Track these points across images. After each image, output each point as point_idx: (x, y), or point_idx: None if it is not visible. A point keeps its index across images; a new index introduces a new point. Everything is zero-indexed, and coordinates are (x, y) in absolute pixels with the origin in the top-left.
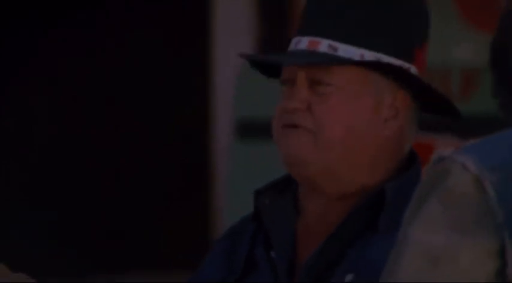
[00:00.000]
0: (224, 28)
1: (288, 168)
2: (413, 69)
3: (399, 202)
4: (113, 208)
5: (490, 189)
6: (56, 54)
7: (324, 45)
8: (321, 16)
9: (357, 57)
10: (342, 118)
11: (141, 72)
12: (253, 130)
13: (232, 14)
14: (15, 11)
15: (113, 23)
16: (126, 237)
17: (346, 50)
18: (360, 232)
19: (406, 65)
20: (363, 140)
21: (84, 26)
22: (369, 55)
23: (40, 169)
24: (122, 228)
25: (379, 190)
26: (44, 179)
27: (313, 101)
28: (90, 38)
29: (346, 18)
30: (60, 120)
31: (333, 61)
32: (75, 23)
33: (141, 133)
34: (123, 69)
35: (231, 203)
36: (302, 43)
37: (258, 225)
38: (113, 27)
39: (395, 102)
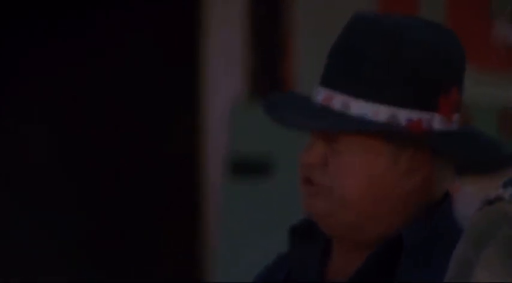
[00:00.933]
0: (216, 63)
1: (315, 220)
2: (436, 119)
3: (417, 249)
4: (107, 229)
5: None
6: (45, 66)
7: (337, 102)
8: (336, 66)
9: (370, 114)
10: (357, 175)
11: (130, 109)
12: (245, 167)
13: (224, 48)
14: (15, 14)
15: (103, 58)
16: (118, 252)
17: (359, 107)
18: (379, 279)
19: (426, 116)
20: (381, 194)
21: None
22: (384, 111)
23: (30, 177)
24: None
25: (396, 237)
26: (32, 188)
27: (329, 157)
28: (80, 72)
29: (362, 70)
30: (53, 137)
31: (337, 128)
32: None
33: (131, 168)
34: (112, 104)
35: (223, 241)
36: (319, 95)
37: (292, 263)
38: (103, 62)
39: (415, 155)
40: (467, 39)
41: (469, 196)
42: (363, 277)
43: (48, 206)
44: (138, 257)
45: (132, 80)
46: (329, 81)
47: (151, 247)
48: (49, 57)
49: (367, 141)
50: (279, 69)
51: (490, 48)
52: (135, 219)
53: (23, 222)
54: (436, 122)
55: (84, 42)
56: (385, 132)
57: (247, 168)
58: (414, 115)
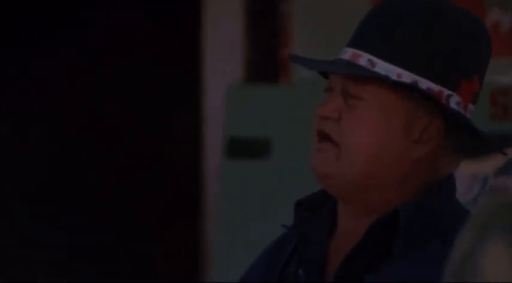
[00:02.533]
0: (214, 49)
1: (318, 180)
2: (454, 98)
3: (414, 225)
4: (104, 225)
5: None
6: (44, 76)
7: (364, 58)
8: (369, 30)
9: (393, 76)
10: (367, 133)
11: (131, 93)
12: (243, 150)
13: (222, 36)
14: (19, 19)
15: (104, 40)
16: (118, 252)
17: (384, 67)
18: (376, 255)
19: (446, 92)
20: (388, 158)
21: (77, 46)
22: (407, 75)
23: (27, 187)
24: (113, 240)
25: (392, 212)
26: (29, 199)
27: (344, 112)
28: (82, 63)
29: (392, 36)
30: (53, 143)
31: (362, 74)
32: (71, 39)
33: (132, 152)
34: (113, 89)
35: (222, 222)
36: (347, 54)
37: (299, 237)
38: (105, 45)
39: (429, 127)
40: None
41: (462, 178)
42: (362, 252)
43: (50, 206)
44: (137, 248)
45: (135, 70)
46: (358, 42)
47: (152, 230)
48: (49, 56)
49: (385, 100)
50: (276, 56)
51: None
52: (135, 208)
53: (28, 223)
54: (453, 101)
55: (87, 31)
56: (404, 97)
57: (245, 151)
58: (435, 87)
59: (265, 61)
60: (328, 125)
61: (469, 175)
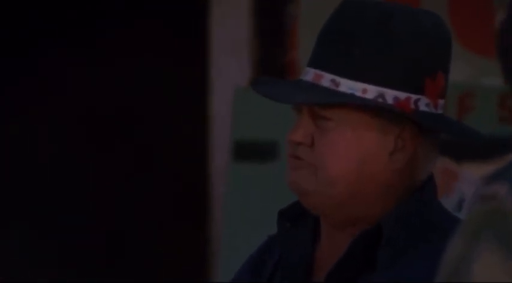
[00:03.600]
0: (221, 50)
1: (297, 196)
2: (423, 101)
3: (398, 236)
4: (109, 226)
5: None
6: (51, 74)
7: (326, 79)
8: (327, 48)
9: (358, 93)
10: (342, 154)
11: (137, 94)
12: (249, 152)
13: (230, 37)
14: (17, 26)
15: (108, 35)
16: (122, 252)
17: (347, 85)
18: (361, 268)
19: (414, 96)
20: (367, 174)
21: (82, 51)
22: (372, 90)
23: (34, 190)
24: (118, 241)
25: (375, 225)
26: (36, 199)
27: (316, 136)
28: (88, 65)
29: (350, 51)
30: (59, 144)
31: (328, 101)
32: (75, 43)
33: (139, 153)
34: (119, 91)
35: (227, 224)
36: (309, 75)
37: (282, 247)
38: (112, 46)
39: (402, 134)
40: (471, 26)
41: (471, 181)
42: (347, 265)
43: (53, 206)
44: (143, 249)
45: (142, 71)
46: (318, 62)
47: (158, 232)
48: (55, 57)
49: (354, 118)
50: (283, 57)
51: (492, 36)
52: (141, 209)
53: (29, 222)
54: (423, 103)
55: (95, 32)
56: (373, 111)
57: (252, 153)
58: (401, 95)
59: (273, 63)
60: (301, 151)
61: (478, 177)
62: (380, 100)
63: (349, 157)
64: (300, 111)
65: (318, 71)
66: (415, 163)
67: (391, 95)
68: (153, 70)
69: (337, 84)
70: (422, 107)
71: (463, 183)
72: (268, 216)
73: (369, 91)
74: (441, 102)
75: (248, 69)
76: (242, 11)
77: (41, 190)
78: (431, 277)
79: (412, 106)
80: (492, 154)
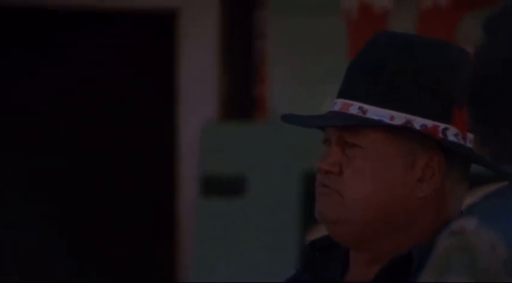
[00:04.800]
0: (189, 85)
1: (325, 227)
2: (452, 131)
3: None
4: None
5: None
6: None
7: (354, 107)
8: (355, 78)
9: (386, 119)
10: (369, 180)
11: (107, 128)
12: (218, 187)
13: (198, 72)
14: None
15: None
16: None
17: (375, 112)
18: None
19: (442, 125)
20: (394, 201)
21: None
22: (399, 116)
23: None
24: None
25: (406, 254)
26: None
27: (344, 164)
28: (60, 97)
29: (377, 80)
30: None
31: (353, 123)
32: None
33: (109, 187)
34: (89, 125)
35: (195, 258)
36: (337, 105)
37: (310, 276)
38: (86, 88)
39: (430, 163)
40: None
41: None
42: None
43: (24, 219)
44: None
45: (111, 107)
46: (346, 92)
47: (128, 269)
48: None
49: (382, 145)
50: (252, 91)
51: None
52: (113, 240)
53: (10, 228)
54: (451, 133)
55: (68, 69)
56: (401, 139)
57: (220, 187)
58: (429, 123)
59: (241, 98)
60: (330, 180)
61: None
62: (408, 126)
63: (375, 183)
64: (328, 141)
65: (345, 101)
66: (442, 196)
67: (418, 122)
68: (121, 105)
69: (364, 112)
70: (450, 137)
71: None
72: (236, 249)
73: (396, 118)
74: (470, 135)
75: (216, 104)
76: (210, 46)
77: (19, 199)
78: None
79: (440, 135)
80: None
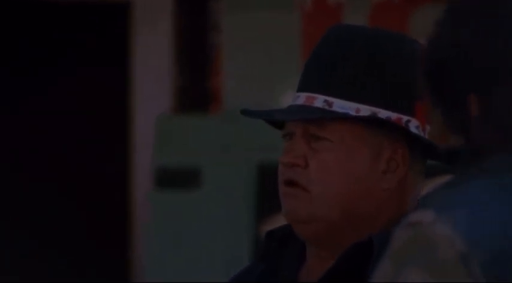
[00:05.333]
0: (143, 78)
1: (292, 225)
2: (413, 123)
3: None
4: (30, 253)
5: (478, 272)
6: None
7: (319, 100)
8: (317, 72)
9: (352, 112)
10: (336, 173)
11: (59, 120)
12: (172, 179)
13: (152, 65)
14: None
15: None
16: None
17: (341, 105)
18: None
19: (404, 118)
20: (360, 193)
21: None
22: (365, 109)
23: None
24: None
25: (367, 241)
26: None
27: (309, 156)
28: (11, 94)
29: (341, 73)
30: None
31: (324, 116)
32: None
33: (62, 179)
34: (42, 118)
35: (149, 250)
36: (300, 99)
37: (266, 266)
38: (35, 75)
39: (394, 156)
40: None
41: None
42: (333, 278)
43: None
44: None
45: (65, 102)
46: (309, 85)
47: (83, 259)
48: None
49: (347, 137)
50: (206, 84)
51: None
52: (68, 231)
53: None
54: (413, 125)
55: (19, 61)
56: (366, 132)
57: (174, 180)
58: (393, 115)
59: (195, 90)
60: (295, 173)
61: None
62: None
63: (342, 176)
64: (291, 135)
65: (309, 94)
66: (405, 187)
67: (383, 114)
68: (74, 97)
69: (330, 104)
70: (413, 129)
71: None
72: (191, 242)
73: (362, 110)
74: (428, 128)
75: (170, 96)
76: (165, 38)
77: None
78: None
79: (404, 125)
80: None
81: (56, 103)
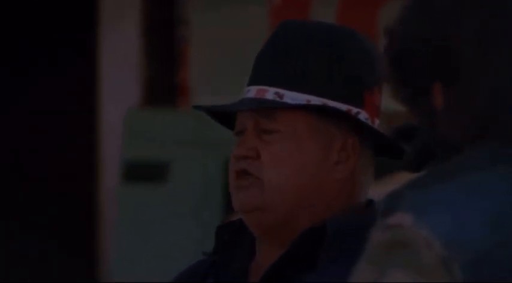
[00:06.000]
0: (111, 70)
1: (242, 216)
2: (363, 114)
3: (340, 239)
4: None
5: (459, 275)
6: None
7: (270, 92)
8: (268, 65)
9: (303, 103)
10: (287, 165)
11: (26, 114)
12: (140, 173)
13: (120, 57)
14: None
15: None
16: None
17: (292, 97)
18: (301, 266)
19: (354, 109)
20: (313, 184)
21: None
22: (316, 101)
23: None
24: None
25: (320, 226)
26: None
27: (261, 148)
28: None
29: (292, 66)
30: None
31: (274, 106)
32: None
33: (30, 173)
34: (7, 108)
35: (116, 245)
36: (251, 92)
37: (217, 259)
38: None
39: (345, 147)
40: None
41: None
42: (286, 262)
43: None
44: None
45: (31, 89)
46: (260, 79)
47: (48, 252)
48: None
49: (298, 129)
50: (174, 77)
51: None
52: (34, 221)
53: None
54: (362, 117)
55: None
56: (317, 123)
57: (142, 174)
58: (343, 107)
59: (163, 83)
60: (247, 164)
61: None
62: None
63: (294, 167)
64: (242, 130)
65: (260, 87)
66: (355, 178)
67: (333, 105)
68: (41, 91)
69: (281, 96)
70: (362, 120)
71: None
72: (157, 236)
73: (313, 102)
74: (377, 121)
75: (139, 89)
76: (132, 31)
77: None
78: None
79: (354, 116)
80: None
81: (22, 96)
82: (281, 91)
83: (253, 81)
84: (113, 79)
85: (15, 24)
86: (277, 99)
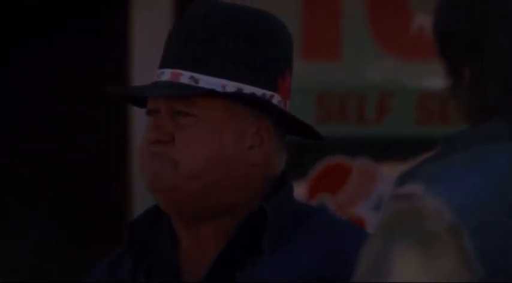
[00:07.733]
0: (143, 53)
1: (154, 195)
2: (276, 98)
3: (280, 221)
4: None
5: (467, 243)
6: None
7: (185, 76)
8: (183, 47)
9: (218, 88)
10: (202, 148)
11: (59, 95)
12: None
13: (152, 39)
14: None
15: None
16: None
17: (207, 81)
18: (245, 254)
19: (268, 93)
20: (226, 168)
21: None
22: (231, 85)
23: None
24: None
25: (258, 210)
26: None
27: (176, 132)
28: (14, 69)
29: (207, 50)
30: None
31: (190, 92)
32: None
33: (62, 166)
34: (40, 92)
35: None
36: (165, 75)
37: (136, 255)
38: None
39: (259, 131)
40: (390, 29)
41: (390, 181)
42: (232, 252)
43: None
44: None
45: (61, 81)
46: (174, 61)
47: (82, 255)
48: None
49: (213, 114)
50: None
51: (410, 39)
52: (65, 227)
53: None
54: (276, 100)
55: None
56: (231, 108)
57: None
58: (258, 91)
59: None
60: (161, 147)
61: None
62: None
63: (208, 151)
64: (156, 112)
65: (175, 70)
66: (269, 162)
67: (248, 90)
68: (75, 83)
69: (196, 81)
70: (276, 104)
71: (382, 184)
72: None
73: (228, 86)
74: (288, 102)
75: None
76: (164, 17)
77: None
78: (313, 269)
79: (268, 101)
80: (410, 155)
81: (56, 87)
82: (196, 75)
83: (166, 64)
84: (145, 61)
85: (43, 7)
86: (193, 83)
